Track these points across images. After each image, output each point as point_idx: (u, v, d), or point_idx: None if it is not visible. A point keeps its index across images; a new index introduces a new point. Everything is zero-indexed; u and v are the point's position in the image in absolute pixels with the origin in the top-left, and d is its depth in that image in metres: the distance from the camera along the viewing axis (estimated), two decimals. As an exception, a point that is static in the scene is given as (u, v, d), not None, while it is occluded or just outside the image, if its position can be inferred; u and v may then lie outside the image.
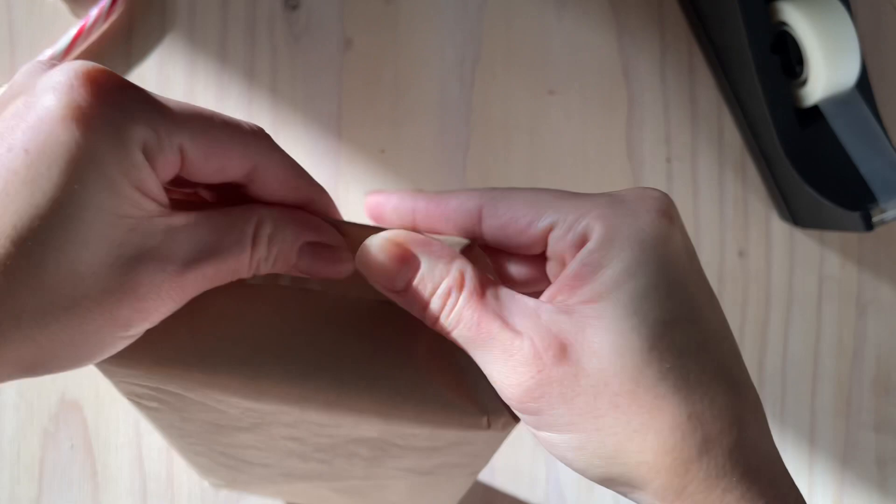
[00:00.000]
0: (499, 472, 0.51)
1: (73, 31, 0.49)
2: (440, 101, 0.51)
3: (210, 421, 0.31)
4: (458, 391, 0.26)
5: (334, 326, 0.27)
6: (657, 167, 0.52)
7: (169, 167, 0.23)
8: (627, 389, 0.23)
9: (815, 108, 0.47)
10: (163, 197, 0.24)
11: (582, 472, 0.25)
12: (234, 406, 0.28)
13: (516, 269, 0.28)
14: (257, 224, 0.25)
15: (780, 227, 0.52)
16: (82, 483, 0.50)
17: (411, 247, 0.25)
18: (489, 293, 0.24)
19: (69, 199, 0.21)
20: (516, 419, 0.27)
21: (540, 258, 0.27)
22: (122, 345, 0.24)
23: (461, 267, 0.25)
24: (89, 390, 0.50)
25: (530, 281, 0.28)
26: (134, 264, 0.22)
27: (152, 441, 0.50)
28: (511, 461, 0.51)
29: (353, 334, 0.27)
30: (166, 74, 0.50)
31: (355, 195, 0.51)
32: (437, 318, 0.25)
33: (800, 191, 0.47)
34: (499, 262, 0.28)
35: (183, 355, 0.26)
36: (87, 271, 0.22)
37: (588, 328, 0.23)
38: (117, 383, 0.29)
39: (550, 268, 0.27)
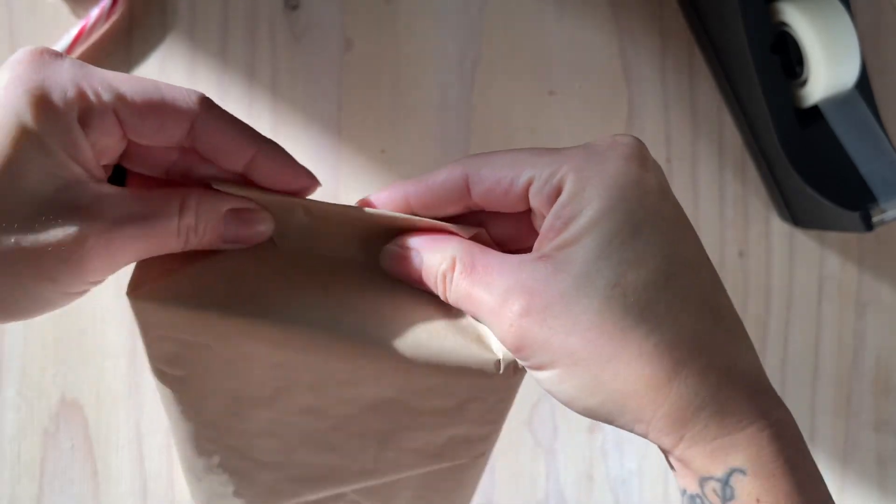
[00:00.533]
0: (499, 472, 0.51)
1: (73, 31, 0.49)
2: (440, 101, 0.51)
3: (231, 392, 0.31)
4: (472, 343, 0.29)
5: (358, 287, 0.30)
6: (657, 167, 0.52)
7: (107, 130, 0.26)
8: (595, 324, 0.25)
9: (815, 109, 0.47)
10: (97, 168, 0.27)
11: (568, 405, 0.27)
12: (260, 363, 0.30)
13: (509, 228, 0.30)
14: (183, 195, 0.28)
15: (779, 228, 0.52)
16: (83, 483, 0.50)
17: (413, 246, 0.29)
18: (480, 264, 0.28)
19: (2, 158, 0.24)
20: (524, 370, 0.29)
21: (528, 214, 0.29)
22: (58, 301, 0.26)
23: (453, 252, 0.28)
24: (90, 390, 0.50)
25: (522, 237, 0.30)
26: (58, 218, 0.25)
27: (153, 441, 0.50)
28: (511, 461, 0.51)
29: (375, 295, 0.30)
30: (167, 74, 0.50)
31: (355, 195, 0.51)
32: (445, 296, 0.28)
33: (800, 191, 0.47)
34: (494, 224, 0.30)
35: (222, 300, 0.29)
36: (12, 223, 0.24)
37: (558, 273, 0.25)
38: (151, 344, 0.30)
39: (536, 221, 0.29)
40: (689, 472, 0.26)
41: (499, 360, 0.29)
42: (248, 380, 0.31)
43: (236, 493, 0.39)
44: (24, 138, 0.24)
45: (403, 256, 0.29)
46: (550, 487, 0.51)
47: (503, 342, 0.27)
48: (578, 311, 0.25)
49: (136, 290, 0.28)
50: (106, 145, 0.27)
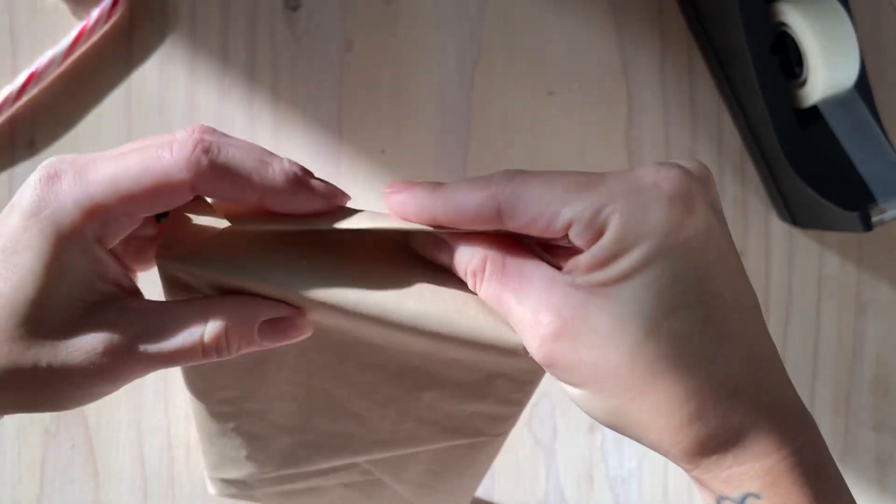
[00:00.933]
0: (499, 472, 0.51)
1: (74, 32, 0.49)
2: (440, 101, 0.51)
3: (255, 354, 0.32)
4: (503, 324, 0.29)
5: (388, 264, 0.30)
6: (657, 167, 0.52)
7: (123, 228, 0.28)
8: (625, 363, 0.25)
9: (815, 109, 0.47)
10: (124, 278, 0.29)
11: (590, 415, 0.28)
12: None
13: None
14: (208, 312, 0.28)
15: (779, 228, 0.52)
16: (83, 482, 0.50)
17: (444, 236, 0.29)
18: (513, 269, 0.28)
19: (41, 288, 0.26)
20: None
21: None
22: (86, 400, 0.29)
23: (484, 250, 0.28)
24: (90, 390, 0.50)
25: (558, 244, 0.30)
26: (87, 335, 0.27)
27: (153, 441, 0.50)
28: (511, 461, 0.51)
29: (405, 272, 0.30)
30: (167, 75, 0.50)
31: (356, 195, 0.51)
32: (475, 290, 0.29)
33: (799, 191, 0.47)
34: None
35: (251, 267, 0.29)
36: (44, 345, 0.27)
37: (591, 308, 0.26)
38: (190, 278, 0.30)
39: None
40: (707, 490, 0.27)
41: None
42: None
43: (248, 457, 0.39)
44: (52, 268, 0.27)
45: (435, 244, 0.29)
46: (550, 487, 0.51)
47: (532, 355, 0.27)
48: (610, 348, 0.25)
49: (164, 251, 0.28)
50: (127, 232, 0.28)
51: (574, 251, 0.27)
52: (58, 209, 0.26)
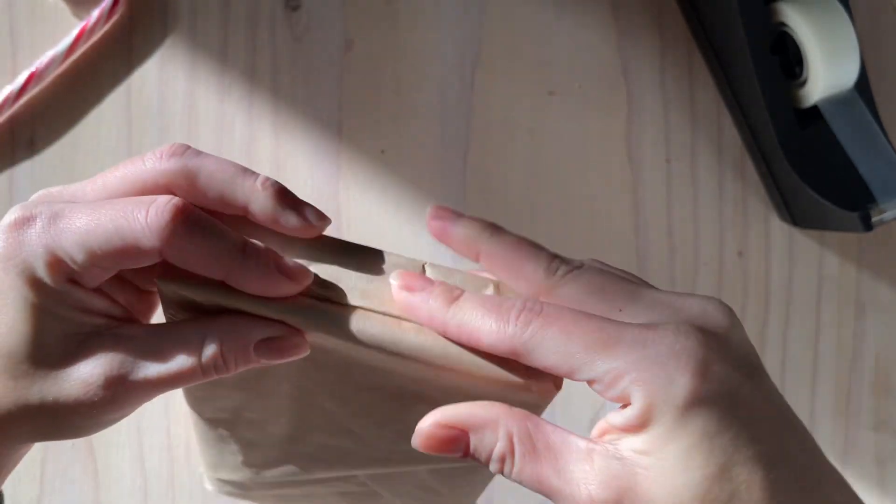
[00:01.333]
0: (499, 471, 0.51)
1: (74, 33, 0.49)
2: (440, 101, 0.51)
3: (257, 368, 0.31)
4: (508, 361, 0.28)
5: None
6: (657, 167, 0.52)
7: (97, 278, 0.27)
8: None
9: (815, 109, 0.47)
10: (114, 307, 0.29)
11: None
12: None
13: None
14: (204, 333, 0.28)
15: (779, 228, 0.52)
16: (83, 482, 0.50)
17: (455, 424, 0.27)
18: (542, 445, 0.26)
19: (32, 326, 0.27)
20: (557, 388, 0.28)
21: None
22: (93, 429, 0.29)
23: (508, 430, 0.26)
24: (90, 390, 0.50)
25: None
26: (83, 369, 0.27)
27: (153, 440, 0.50)
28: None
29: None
30: (167, 75, 0.50)
31: (355, 195, 0.51)
32: (502, 474, 0.27)
33: (799, 191, 0.47)
34: None
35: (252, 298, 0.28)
36: (41, 384, 0.27)
37: (639, 477, 0.25)
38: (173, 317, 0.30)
39: None
40: None
41: (528, 382, 0.28)
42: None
43: (245, 463, 0.39)
44: (35, 312, 0.27)
45: (444, 439, 0.27)
46: (550, 487, 0.51)
47: None
48: None
49: (164, 274, 0.28)
50: (106, 278, 0.28)
51: None
52: (29, 255, 0.26)
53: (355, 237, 0.51)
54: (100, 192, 0.28)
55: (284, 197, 0.28)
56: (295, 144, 0.51)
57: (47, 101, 0.50)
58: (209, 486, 0.44)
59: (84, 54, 0.50)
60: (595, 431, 0.27)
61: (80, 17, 0.50)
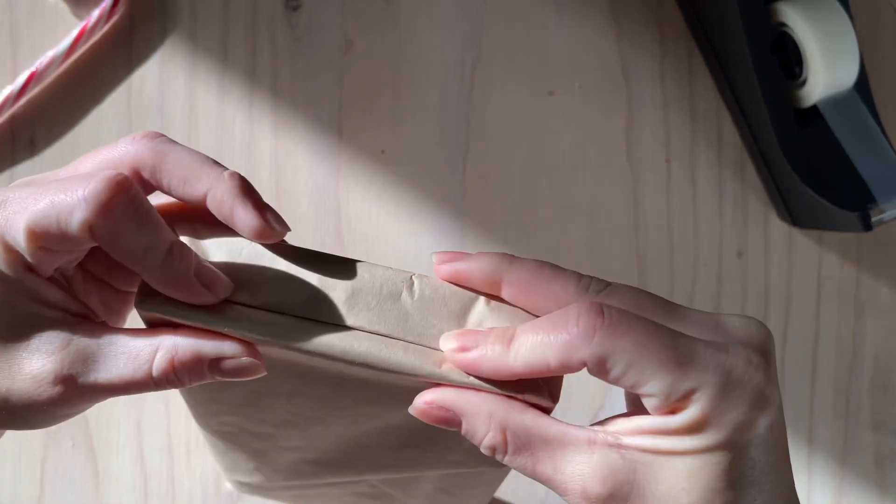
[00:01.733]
0: (498, 471, 0.51)
1: (74, 33, 0.49)
2: (440, 102, 0.51)
3: (248, 385, 0.31)
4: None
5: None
6: (656, 168, 0.52)
7: (52, 262, 0.26)
8: None
9: (815, 109, 0.47)
10: (69, 301, 0.27)
11: None
12: (277, 366, 0.29)
13: None
14: (155, 348, 0.27)
15: (778, 228, 0.52)
16: (84, 482, 0.50)
17: (449, 407, 0.27)
18: (538, 439, 0.26)
19: None
20: (553, 402, 0.28)
21: None
22: (42, 422, 0.28)
23: (501, 423, 0.26)
24: (91, 390, 0.50)
25: None
26: (34, 363, 0.27)
27: (153, 440, 0.50)
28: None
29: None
30: (167, 75, 0.50)
31: (355, 195, 0.51)
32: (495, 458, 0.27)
33: (799, 191, 0.47)
34: None
35: (234, 319, 0.27)
36: None
37: (642, 474, 0.25)
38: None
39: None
40: None
41: (524, 395, 0.27)
42: (264, 377, 0.30)
43: (256, 469, 0.39)
44: None
45: (437, 417, 0.27)
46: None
47: None
48: None
49: (143, 303, 0.27)
50: (64, 261, 0.27)
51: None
52: None
53: (355, 237, 0.51)
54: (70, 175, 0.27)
55: (247, 192, 0.27)
56: (295, 144, 0.51)
57: (47, 101, 0.50)
58: (228, 486, 0.44)
59: (84, 54, 0.50)
60: (614, 426, 0.27)
61: (80, 17, 0.50)
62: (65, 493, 0.50)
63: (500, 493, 0.51)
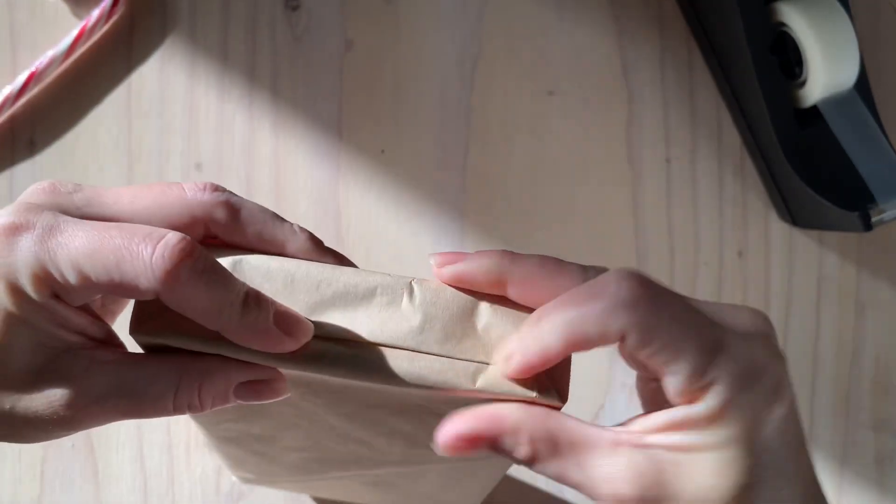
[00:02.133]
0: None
1: (74, 32, 0.49)
2: (440, 101, 0.51)
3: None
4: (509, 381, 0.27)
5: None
6: (656, 168, 0.52)
7: (83, 298, 0.26)
8: None
9: (815, 109, 0.47)
10: (92, 327, 0.27)
11: None
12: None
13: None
14: (181, 372, 0.27)
15: (778, 228, 0.52)
16: (84, 482, 0.50)
17: (477, 435, 0.26)
18: (566, 444, 0.26)
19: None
20: (562, 401, 0.27)
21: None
22: (58, 435, 0.28)
23: (531, 435, 0.26)
24: (91, 390, 0.50)
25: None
26: (51, 386, 0.26)
27: (153, 439, 0.50)
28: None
29: None
30: (167, 75, 0.50)
31: (355, 195, 0.51)
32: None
33: (799, 191, 0.46)
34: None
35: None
36: (7, 392, 0.26)
37: (668, 474, 0.25)
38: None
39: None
40: None
41: (535, 397, 0.27)
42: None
43: (262, 469, 0.39)
44: (10, 320, 0.26)
45: (467, 449, 0.26)
46: (551, 487, 0.51)
47: None
48: None
49: (139, 328, 0.27)
50: (91, 299, 0.27)
51: None
52: (17, 262, 0.25)
53: (355, 237, 0.50)
54: (123, 208, 0.27)
55: (320, 243, 0.29)
56: (295, 144, 0.50)
57: (47, 100, 0.50)
58: (228, 485, 0.44)
59: (84, 54, 0.50)
60: (637, 424, 0.26)
61: (80, 17, 0.50)
62: (65, 493, 0.49)
63: (500, 493, 0.51)
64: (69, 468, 0.49)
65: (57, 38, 0.49)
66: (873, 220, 0.43)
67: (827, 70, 0.45)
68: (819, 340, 0.52)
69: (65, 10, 0.50)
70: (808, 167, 0.46)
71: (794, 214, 0.50)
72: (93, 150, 0.50)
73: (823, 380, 0.52)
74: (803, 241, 0.52)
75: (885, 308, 0.53)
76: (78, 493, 0.50)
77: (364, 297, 0.27)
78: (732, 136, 0.52)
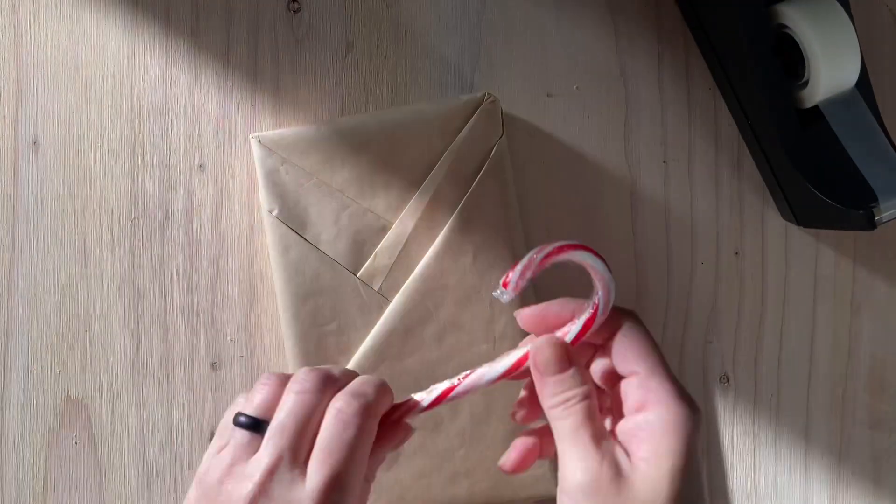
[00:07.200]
0: (498, 469, 0.48)
1: (76, 33, 0.46)
2: (441, 103, 0.48)
3: None
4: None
5: None
6: (654, 168, 0.49)
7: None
8: None
9: (816, 109, 0.44)
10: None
11: None
12: None
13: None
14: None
15: (775, 227, 0.49)
16: (87, 480, 0.47)
17: (570, 357, 0.33)
18: (595, 413, 0.33)
19: None
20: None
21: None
22: None
23: (588, 390, 0.33)
24: (94, 389, 0.47)
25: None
26: None
27: (156, 438, 0.47)
28: (511, 458, 0.48)
29: None
30: (170, 76, 0.47)
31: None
32: (554, 403, 0.33)
33: (802, 191, 0.44)
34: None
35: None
36: None
37: (631, 464, 0.32)
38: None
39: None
40: None
41: None
42: None
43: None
44: None
45: (558, 355, 0.34)
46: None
47: (570, 477, 0.32)
48: (648, 490, 0.31)
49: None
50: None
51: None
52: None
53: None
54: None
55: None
56: (296, 145, 0.47)
57: (51, 101, 0.47)
58: None
59: (85, 53, 0.47)
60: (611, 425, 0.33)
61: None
62: (68, 491, 0.47)
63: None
64: (72, 467, 0.47)
65: (59, 38, 0.46)
66: (875, 218, 0.41)
67: (828, 70, 0.42)
68: (815, 339, 0.49)
69: (67, 11, 0.47)
70: (810, 167, 0.43)
71: (796, 214, 0.47)
72: (96, 151, 0.47)
73: (820, 378, 0.49)
74: (800, 241, 0.49)
75: (881, 307, 0.50)
76: (81, 492, 0.47)
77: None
78: (729, 137, 0.49)
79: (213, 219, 0.47)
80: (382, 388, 0.34)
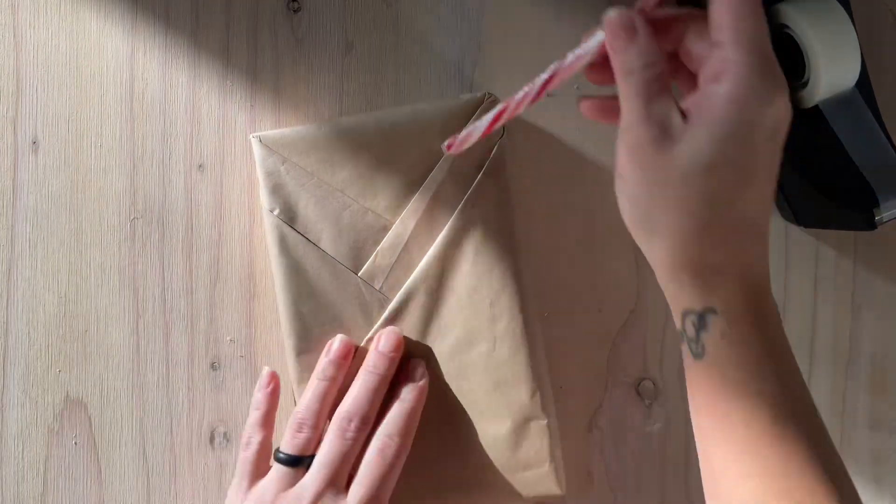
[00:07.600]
0: (498, 469, 0.48)
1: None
2: (440, 103, 0.48)
3: None
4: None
5: None
6: (655, 168, 0.48)
7: None
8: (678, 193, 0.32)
9: (816, 109, 0.44)
10: None
11: (623, 215, 0.36)
12: None
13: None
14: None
15: (775, 228, 0.49)
16: (87, 480, 0.47)
17: (640, 28, 0.33)
18: (653, 81, 0.33)
19: None
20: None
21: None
22: None
23: (651, 59, 0.33)
24: (94, 389, 0.47)
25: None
26: None
27: (156, 438, 0.47)
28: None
29: None
30: (170, 76, 0.47)
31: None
32: (619, 70, 0.34)
33: (802, 191, 0.43)
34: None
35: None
36: None
37: (684, 128, 0.32)
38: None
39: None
40: (677, 304, 0.34)
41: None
42: None
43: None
44: None
45: (626, 23, 0.34)
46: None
47: (626, 138, 0.34)
48: (681, 168, 0.32)
49: None
50: None
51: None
52: None
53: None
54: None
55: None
56: (296, 145, 0.47)
57: (51, 101, 0.47)
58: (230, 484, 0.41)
59: (86, 54, 0.47)
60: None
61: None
62: (68, 491, 0.47)
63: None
64: (72, 466, 0.46)
65: (59, 37, 0.46)
66: (876, 218, 0.40)
67: (828, 70, 0.41)
68: (816, 339, 0.49)
69: (67, 11, 0.47)
70: (810, 167, 0.43)
71: (797, 214, 0.46)
72: (96, 151, 0.47)
73: (820, 379, 0.49)
74: (800, 241, 0.49)
75: (882, 307, 0.49)
76: (81, 491, 0.47)
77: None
78: (730, 138, 0.49)
79: (213, 219, 0.47)
80: (411, 426, 0.42)
